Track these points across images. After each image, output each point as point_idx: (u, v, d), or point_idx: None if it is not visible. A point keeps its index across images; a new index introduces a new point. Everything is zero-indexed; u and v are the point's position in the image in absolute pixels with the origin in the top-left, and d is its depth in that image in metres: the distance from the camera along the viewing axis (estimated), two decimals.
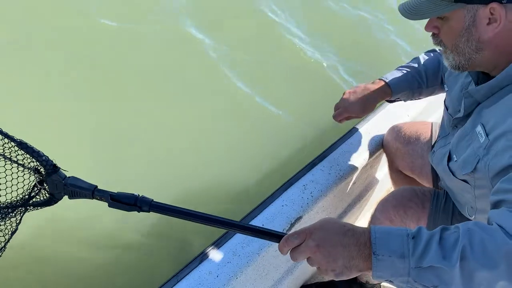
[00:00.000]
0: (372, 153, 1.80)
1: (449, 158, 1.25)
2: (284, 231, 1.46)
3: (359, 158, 1.75)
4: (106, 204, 1.02)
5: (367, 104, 1.55)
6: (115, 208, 0.99)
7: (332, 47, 3.31)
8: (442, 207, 1.43)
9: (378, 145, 1.83)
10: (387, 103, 2.00)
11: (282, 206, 1.51)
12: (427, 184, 1.68)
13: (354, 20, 3.70)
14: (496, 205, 0.88)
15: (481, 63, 1.12)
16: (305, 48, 3.20)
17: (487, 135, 1.04)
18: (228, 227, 0.97)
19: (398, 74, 1.58)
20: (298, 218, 1.51)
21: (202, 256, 1.32)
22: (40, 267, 1.71)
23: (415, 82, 1.57)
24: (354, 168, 1.72)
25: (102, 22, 2.73)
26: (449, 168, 1.23)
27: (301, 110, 2.68)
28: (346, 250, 0.84)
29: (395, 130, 1.75)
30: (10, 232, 1.13)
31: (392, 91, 1.56)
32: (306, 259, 0.88)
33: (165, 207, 0.98)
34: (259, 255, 1.38)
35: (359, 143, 1.79)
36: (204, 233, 1.78)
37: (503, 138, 0.97)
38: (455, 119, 1.27)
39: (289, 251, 0.90)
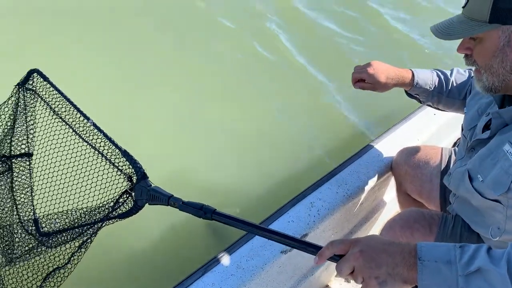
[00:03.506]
0: (380, 175, 1.79)
1: (471, 178, 1.24)
2: None
3: (367, 179, 1.74)
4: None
5: (388, 80, 1.57)
6: (184, 211, 1.14)
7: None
8: (450, 231, 1.42)
9: (387, 167, 1.83)
10: (397, 126, 2.01)
11: (289, 222, 1.50)
12: (434, 209, 1.67)
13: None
14: None
15: None
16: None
17: None
18: (281, 239, 1.00)
19: (427, 72, 1.62)
20: (304, 235, 1.50)
21: (207, 267, 1.32)
22: None
23: (438, 86, 1.60)
24: (361, 189, 1.71)
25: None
26: (474, 188, 1.22)
27: (312, 127, 2.69)
28: (390, 257, 0.84)
29: (405, 153, 1.75)
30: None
31: (414, 83, 1.59)
32: (350, 274, 0.87)
33: (226, 216, 1.08)
34: (263, 269, 1.37)
35: (368, 164, 1.79)
36: (209, 244, 1.78)
37: None
38: (475, 141, 1.27)
39: (326, 259, 0.89)
